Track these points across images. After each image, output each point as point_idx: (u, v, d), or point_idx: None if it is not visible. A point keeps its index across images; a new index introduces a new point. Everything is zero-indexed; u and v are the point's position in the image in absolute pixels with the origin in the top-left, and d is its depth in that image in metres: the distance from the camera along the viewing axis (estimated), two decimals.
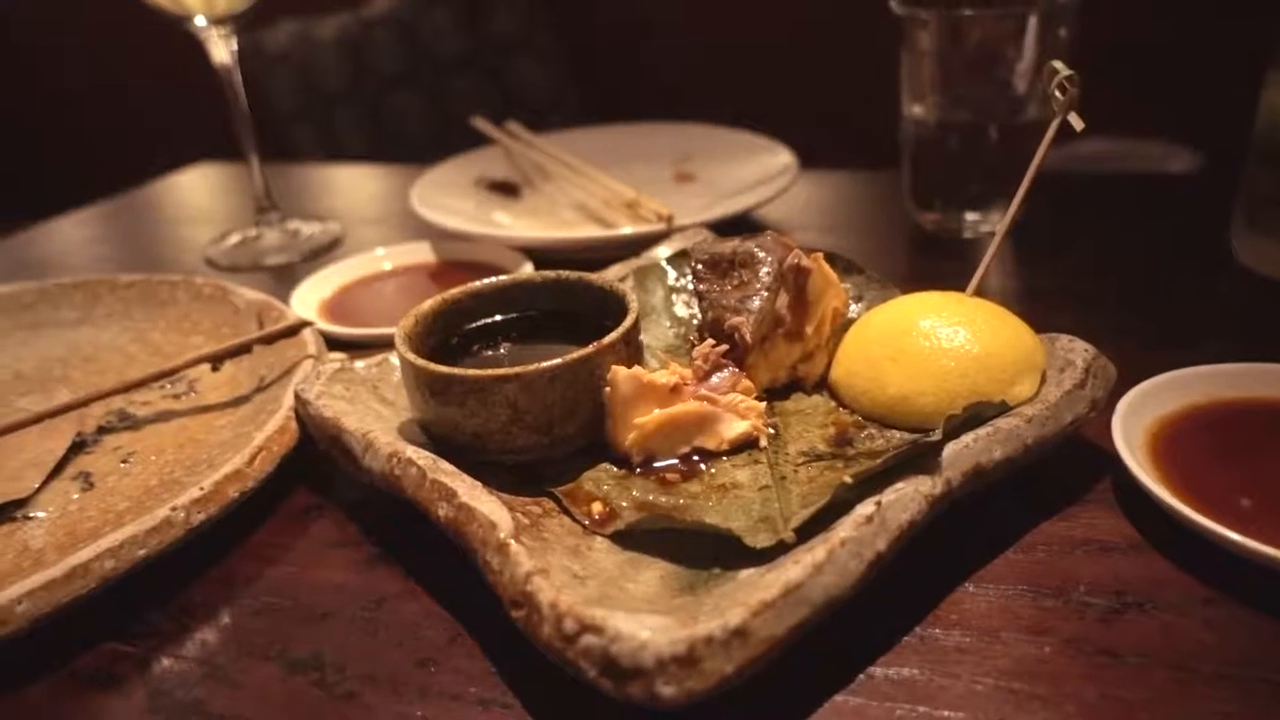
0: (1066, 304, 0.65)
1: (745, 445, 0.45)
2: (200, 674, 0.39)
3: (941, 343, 0.45)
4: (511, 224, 0.85)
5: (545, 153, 0.94)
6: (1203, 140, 1.41)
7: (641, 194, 0.81)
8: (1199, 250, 0.71)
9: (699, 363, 0.47)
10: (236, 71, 0.83)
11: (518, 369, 0.43)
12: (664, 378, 0.45)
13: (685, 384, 0.45)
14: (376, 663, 0.39)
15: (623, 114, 1.07)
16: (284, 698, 0.37)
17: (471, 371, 0.43)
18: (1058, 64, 0.46)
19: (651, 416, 0.44)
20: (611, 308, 0.49)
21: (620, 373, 0.44)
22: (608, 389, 0.44)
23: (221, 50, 0.81)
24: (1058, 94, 0.46)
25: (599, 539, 0.40)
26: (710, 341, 0.48)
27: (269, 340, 0.56)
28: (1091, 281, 0.69)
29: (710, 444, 0.45)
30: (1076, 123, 0.46)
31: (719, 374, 0.46)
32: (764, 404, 0.47)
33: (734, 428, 0.45)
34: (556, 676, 0.34)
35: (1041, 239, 0.76)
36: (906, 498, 0.37)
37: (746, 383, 0.47)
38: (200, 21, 0.79)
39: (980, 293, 0.50)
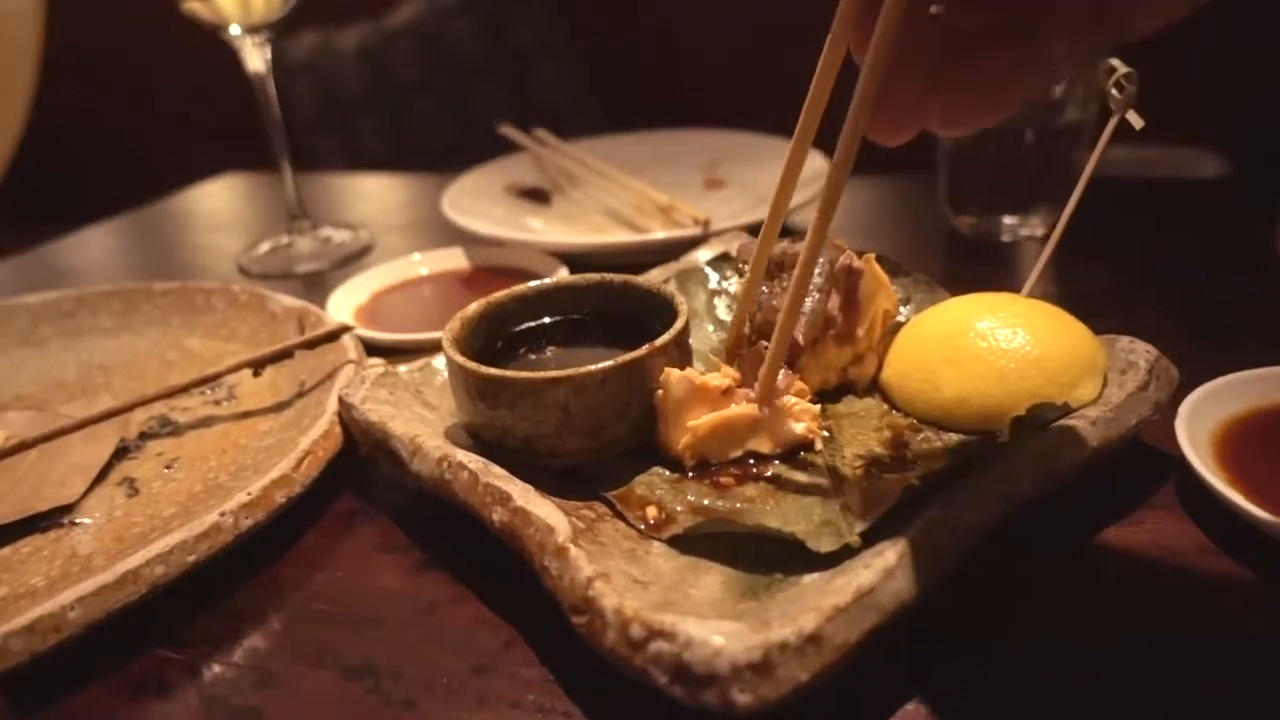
0: (1111, 307, 0.63)
1: (799, 448, 0.45)
2: (253, 680, 0.38)
3: (1000, 344, 0.44)
4: (544, 229, 0.84)
5: (575, 159, 0.94)
6: (1232, 146, 1.39)
7: (675, 199, 0.80)
8: (1241, 253, 0.70)
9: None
10: (270, 80, 0.83)
11: (570, 371, 0.42)
12: (716, 380, 0.44)
13: (738, 386, 0.45)
14: (431, 669, 0.38)
15: (647, 122, 1.07)
16: (340, 705, 0.37)
17: (523, 374, 0.43)
18: (1115, 61, 0.45)
19: (705, 419, 0.43)
20: (657, 311, 0.49)
21: (673, 374, 0.43)
22: (660, 391, 0.44)
23: (256, 59, 0.82)
24: (1115, 92, 0.46)
25: (655, 544, 0.40)
26: (764, 343, 0.47)
27: (311, 345, 0.56)
28: (1135, 285, 0.68)
29: (764, 447, 0.44)
30: (1135, 121, 0.45)
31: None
32: (818, 406, 0.46)
33: (789, 430, 0.44)
34: (616, 683, 0.33)
35: (1081, 243, 0.74)
36: (974, 500, 0.36)
37: (800, 385, 0.46)
38: (235, 30, 0.79)
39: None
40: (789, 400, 0.44)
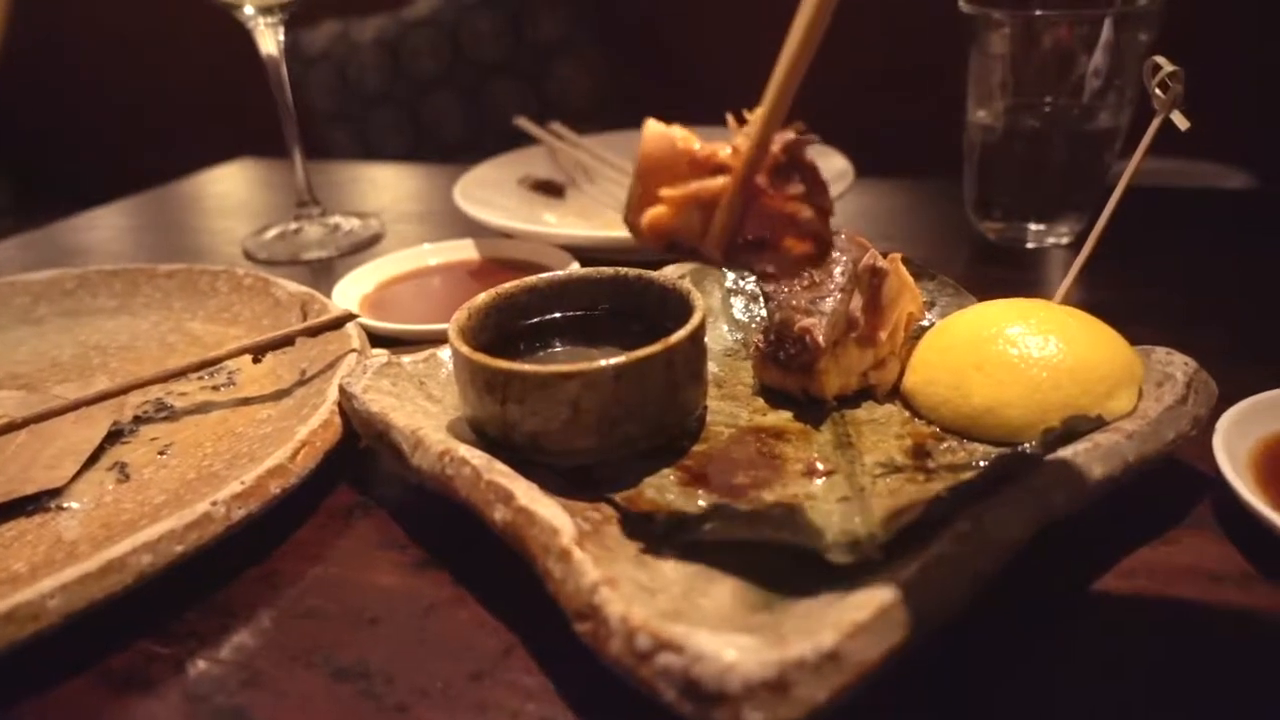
0: (1145, 318, 0.61)
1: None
2: (240, 679, 0.37)
3: (1032, 351, 0.42)
4: (557, 223, 0.83)
5: (591, 153, 0.92)
6: (1259, 162, 1.37)
7: None
8: (1272, 263, 0.68)
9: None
10: (283, 63, 0.82)
11: (581, 365, 0.41)
12: (708, 149, 0.35)
13: (734, 167, 0.34)
14: (427, 674, 0.36)
15: (667, 121, 1.05)
16: (330, 708, 0.35)
17: (532, 367, 0.41)
18: (1160, 59, 0.44)
19: (685, 188, 0.34)
20: (673, 307, 0.47)
21: (652, 126, 0.35)
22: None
23: (269, 41, 0.80)
24: (1159, 92, 0.44)
25: (664, 549, 0.38)
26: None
27: (314, 332, 0.54)
28: (1170, 295, 0.65)
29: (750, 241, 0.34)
30: (1181, 121, 0.43)
31: (793, 184, 0.34)
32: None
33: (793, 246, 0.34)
34: (621, 693, 0.31)
35: (1113, 251, 0.72)
36: (1004, 514, 0.34)
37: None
38: (249, 11, 0.78)
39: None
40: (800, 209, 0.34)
